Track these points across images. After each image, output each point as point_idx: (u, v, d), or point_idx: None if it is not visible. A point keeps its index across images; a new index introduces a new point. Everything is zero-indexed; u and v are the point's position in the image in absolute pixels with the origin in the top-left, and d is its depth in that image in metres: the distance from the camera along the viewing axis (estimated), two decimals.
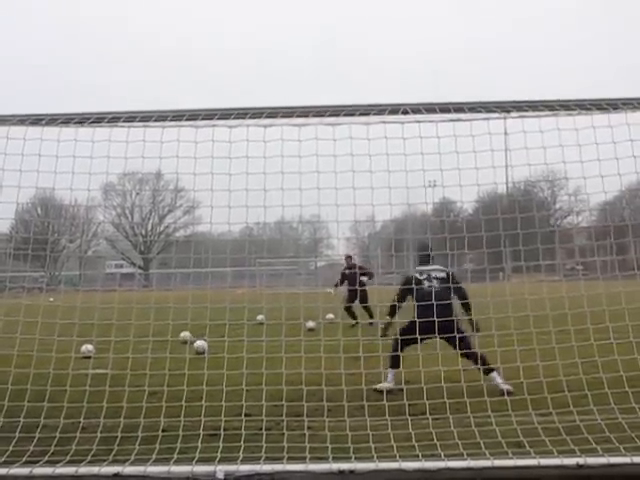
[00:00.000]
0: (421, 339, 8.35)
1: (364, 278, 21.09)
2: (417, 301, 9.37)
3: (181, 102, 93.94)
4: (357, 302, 20.16)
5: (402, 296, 9.80)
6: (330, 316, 14.18)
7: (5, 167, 7.39)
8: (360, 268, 21.64)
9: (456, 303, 9.37)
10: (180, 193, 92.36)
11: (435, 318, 7.91)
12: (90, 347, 10.79)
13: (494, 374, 8.83)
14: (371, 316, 18.67)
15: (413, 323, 8.57)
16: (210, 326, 8.45)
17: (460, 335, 8.71)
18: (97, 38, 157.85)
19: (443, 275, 9.87)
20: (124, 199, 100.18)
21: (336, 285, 22.46)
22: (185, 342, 11.61)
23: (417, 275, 9.87)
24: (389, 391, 8.54)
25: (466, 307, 9.47)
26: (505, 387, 8.55)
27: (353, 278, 20.49)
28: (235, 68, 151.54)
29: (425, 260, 10.14)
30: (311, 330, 12.01)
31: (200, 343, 12.17)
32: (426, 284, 9.70)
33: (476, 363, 8.91)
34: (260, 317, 12.17)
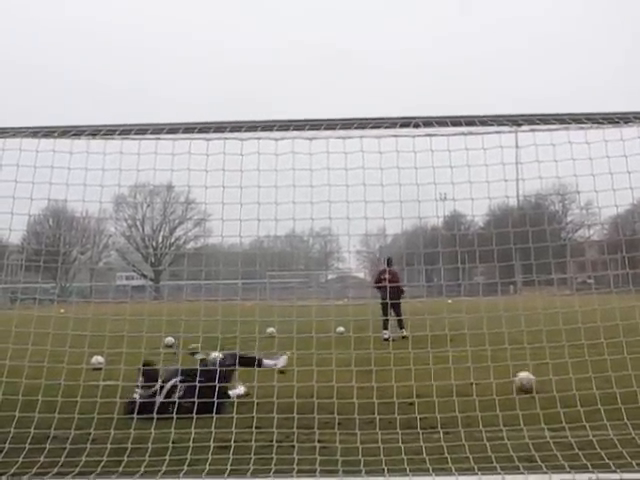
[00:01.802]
0: None
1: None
2: None
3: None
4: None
5: None
6: (341, 329, 14.15)
7: (18, 179, 7.43)
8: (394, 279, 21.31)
9: None
10: (191, 205, 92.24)
11: None
12: (100, 359, 10.77)
13: None
14: (401, 327, 18.87)
15: None
16: (222, 339, 8.42)
17: None
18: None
19: None
20: (135, 211, 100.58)
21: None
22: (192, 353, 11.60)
23: None
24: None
25: None
26: None
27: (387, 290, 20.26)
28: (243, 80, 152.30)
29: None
30: (341, 336, 11.96)
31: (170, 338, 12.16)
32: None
33: None
34: (270, 330, 12.15)
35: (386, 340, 16.24)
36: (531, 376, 9.19)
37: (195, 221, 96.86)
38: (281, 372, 9.14)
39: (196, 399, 7.32)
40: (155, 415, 7.33)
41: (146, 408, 7.76)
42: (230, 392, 9.00)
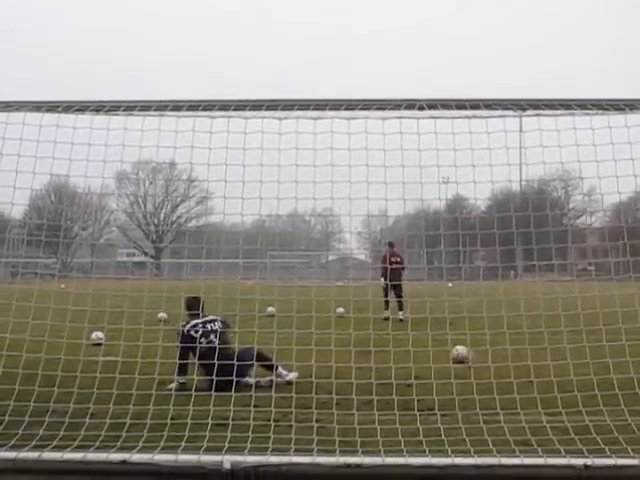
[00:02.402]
0: None
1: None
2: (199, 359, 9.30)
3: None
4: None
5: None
6: (340, 310, 14.14)
7: (21, 153, 7.42)
8: (399, 262, 21.45)
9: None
10: (193, 183, 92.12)
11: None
12: (100, 334, 10.78)
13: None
14: (400, 309, 19.01)
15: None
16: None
17: None
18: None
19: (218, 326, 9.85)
20: (137, 188, 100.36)
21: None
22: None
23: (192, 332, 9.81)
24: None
25: None
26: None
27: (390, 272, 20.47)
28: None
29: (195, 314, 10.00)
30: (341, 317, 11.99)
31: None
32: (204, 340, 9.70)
33: None
34: (270, 309, 12.15)
35: (386, 319, 16.41)
36: (465, 349, 9.93)
37: (197, 199, 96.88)
38: (288, 383, 9.06)
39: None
40: None
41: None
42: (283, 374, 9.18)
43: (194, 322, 9.79)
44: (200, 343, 9.36)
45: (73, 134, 7.58)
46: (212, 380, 7.81)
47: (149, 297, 8.37)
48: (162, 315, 12.43)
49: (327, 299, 8.77)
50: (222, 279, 9.18)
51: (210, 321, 9.79)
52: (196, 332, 9.60)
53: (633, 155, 7.28)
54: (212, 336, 9.59)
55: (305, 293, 8.70)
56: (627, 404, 7.09)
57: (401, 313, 18.49)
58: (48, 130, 7.53)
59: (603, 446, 6.06)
